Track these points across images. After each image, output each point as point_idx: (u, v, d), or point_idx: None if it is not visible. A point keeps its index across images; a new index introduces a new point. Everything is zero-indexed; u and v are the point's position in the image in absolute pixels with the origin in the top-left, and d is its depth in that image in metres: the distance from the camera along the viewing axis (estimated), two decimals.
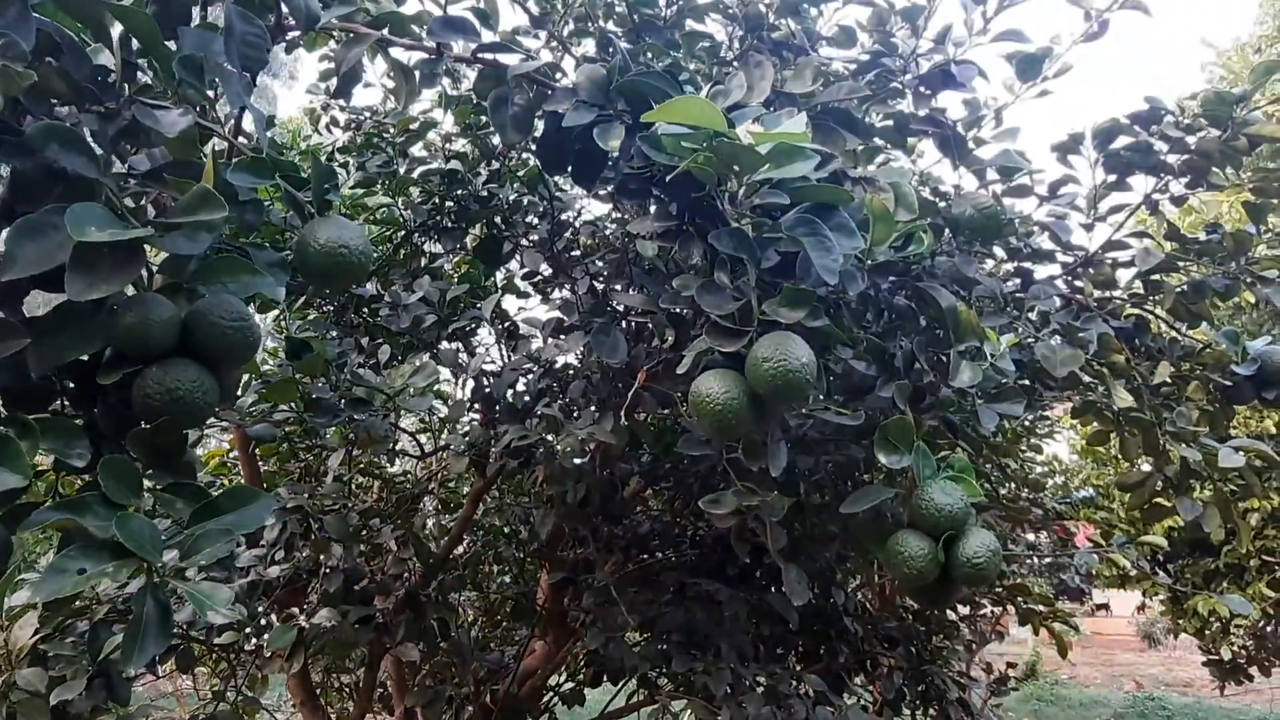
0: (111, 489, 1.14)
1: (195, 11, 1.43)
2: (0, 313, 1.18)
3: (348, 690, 4.39)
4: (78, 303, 1.23)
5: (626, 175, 1.57)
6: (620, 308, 2.14)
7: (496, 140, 2.70)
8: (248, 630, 2.18)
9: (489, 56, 1.73)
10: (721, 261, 1.44)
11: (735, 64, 1.78)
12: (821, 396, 1.54)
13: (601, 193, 2.23)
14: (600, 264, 2.23)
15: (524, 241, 2.55)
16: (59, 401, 1.22)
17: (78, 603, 2.00)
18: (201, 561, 1.16)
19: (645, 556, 3.33)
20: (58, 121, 1.08)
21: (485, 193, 2.49)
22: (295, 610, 2.10)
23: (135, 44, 1.27)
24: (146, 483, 1.23)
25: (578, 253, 2.67)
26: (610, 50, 2.07)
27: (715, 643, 2.87)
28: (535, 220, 2.54)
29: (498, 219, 2.35)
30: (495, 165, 2.49)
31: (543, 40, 2.43)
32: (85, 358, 1.26)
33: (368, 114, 3.29)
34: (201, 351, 1.25)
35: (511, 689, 3.71)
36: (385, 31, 1.79)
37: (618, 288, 2.18)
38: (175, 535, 1.18)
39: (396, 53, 1.87)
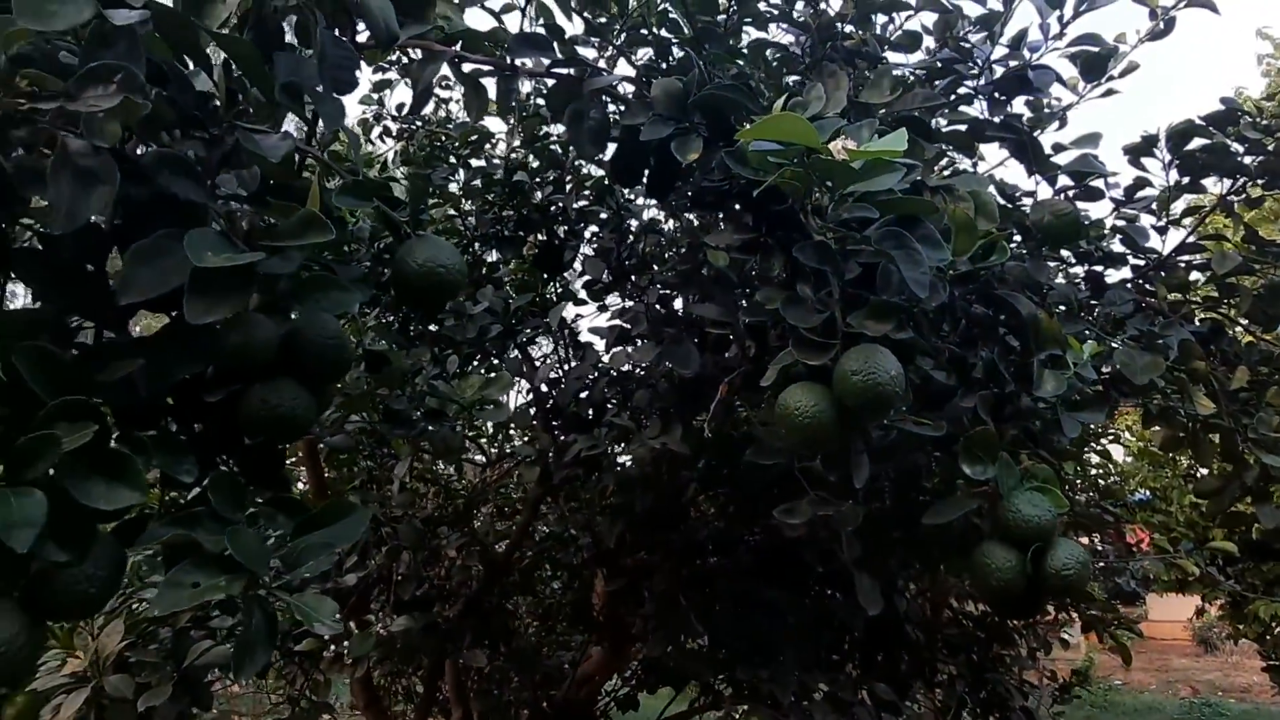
0: (220, 504, 1.17)
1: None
2: (111, 334, 1.22)
3: (402, 694, 4.44)
4: (183, 324, 1.26)
5: (704, 188, 1.57)
6: (692, 317, 2.15)
7: (555, 148, 2.72)
8: (326, 637, 2.23)
9: (563, 72, 1.74)
10: (804, 274, 1.43)
11: (809, 73, 1.77)
12: (904, 408, 1.53)
13: (663, 203, 2.23)
14: (663, 272, 2.23)
15: (586, 250, 2.56)
16: (166, 419, 1.26)
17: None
18: (306, 574, 1.19)
19: (700, 562, 3.33)
20: (169, 150, 1.12)
21: (546, 202, 2.51)
22: (371, 618, 2.14)
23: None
24: None
25: (635, 261, 2.67)
26: (670, 59, 2.08)
27: (778, 650, 2.86)
28: (597, 229, 2.55)
29: (560, 228, 2.37)
30: (558, 175, 2.51)
31: (598, 48, 2.45)
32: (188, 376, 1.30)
33: (419, 124, 3.33)
34: (300, 369, 1.28)
35: (569, 694, 3.73)
36: (458, 48, 1.81)
37: (687, 298, 2.18)
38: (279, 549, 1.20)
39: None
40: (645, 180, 1.72)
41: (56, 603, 1.07)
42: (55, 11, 0.92)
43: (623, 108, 1.66)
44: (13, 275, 1.20)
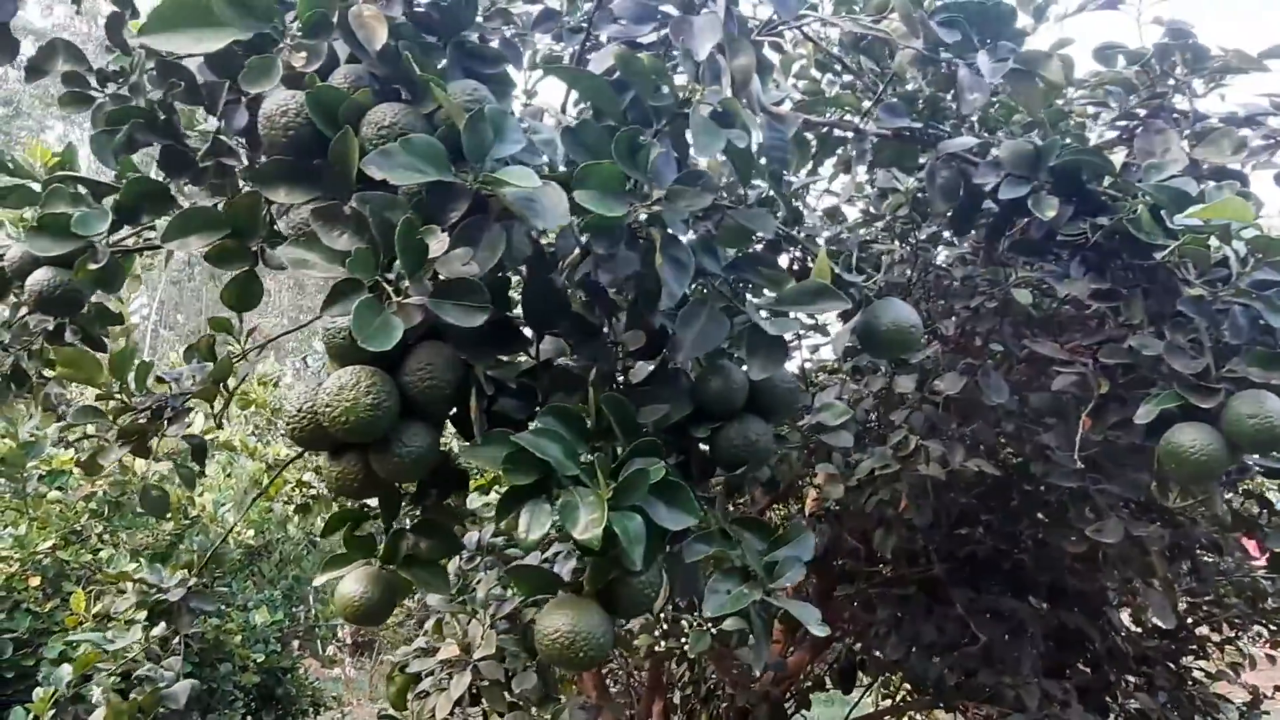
0: (723, 524, 1.41)
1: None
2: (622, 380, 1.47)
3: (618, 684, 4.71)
4: (663, 373, 1.51)
5: (1061, 240, 1.76)
6: (981, 347, 2.34)
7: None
8: (655, 634, 2.49)
9: (906, 134, 1.95)
10: (1177, 323, 1.61)
11: (1129, 131, 1.94)
12: None
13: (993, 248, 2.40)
14: (959, 306, 2.42)
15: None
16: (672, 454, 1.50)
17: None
18: (785, 584, 1.42)
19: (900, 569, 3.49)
20: (707, 235, 1.36)
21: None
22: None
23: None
24: None
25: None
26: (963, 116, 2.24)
27: (1010, 656, 3.01)
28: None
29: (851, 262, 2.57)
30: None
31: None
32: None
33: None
34: (761, 409, 1.51)
35: (770, 691, 3.95)
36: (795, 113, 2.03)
37: (988, 330, 2.37)
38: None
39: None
40: (986, 228, 1.91)
41: (626, 604, 1.32)
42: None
43: (972, 167, 1.85)
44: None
